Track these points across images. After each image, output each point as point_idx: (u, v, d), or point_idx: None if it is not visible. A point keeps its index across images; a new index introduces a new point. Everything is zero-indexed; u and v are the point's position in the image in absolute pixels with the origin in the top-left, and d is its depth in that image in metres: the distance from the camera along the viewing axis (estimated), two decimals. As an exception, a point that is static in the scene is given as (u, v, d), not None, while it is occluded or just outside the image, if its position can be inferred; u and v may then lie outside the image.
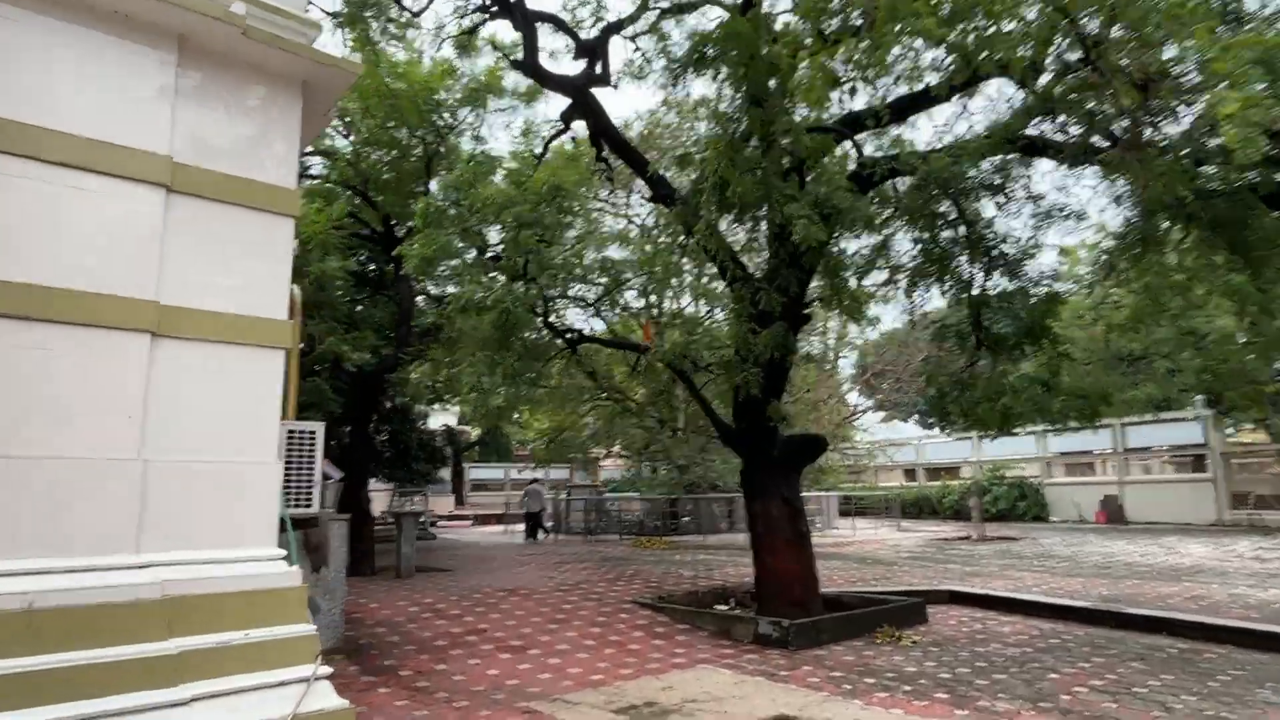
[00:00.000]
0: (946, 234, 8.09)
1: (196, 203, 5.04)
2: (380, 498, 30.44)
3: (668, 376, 11.93)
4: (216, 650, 4.59)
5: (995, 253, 7.91)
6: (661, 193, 10.28)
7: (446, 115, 14.03)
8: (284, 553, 5.18)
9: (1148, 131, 5.77)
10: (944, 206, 7.90)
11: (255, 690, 4.65)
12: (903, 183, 8.65)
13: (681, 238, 10.65)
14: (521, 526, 25.21)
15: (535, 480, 27.10)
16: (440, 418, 35.32)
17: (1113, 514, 27.64)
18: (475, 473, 51.30)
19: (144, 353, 4.69)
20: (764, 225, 8.92)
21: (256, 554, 5.06)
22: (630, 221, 16.90)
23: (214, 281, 5.05)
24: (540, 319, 9.38)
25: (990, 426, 6.93)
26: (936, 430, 44.87)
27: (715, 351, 9.76)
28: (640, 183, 17.07)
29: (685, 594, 10.41)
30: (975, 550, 17.91)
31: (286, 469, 6.27)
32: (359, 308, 14.52)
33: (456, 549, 18.47)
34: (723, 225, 8.70)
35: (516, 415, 25.69)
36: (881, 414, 31.72)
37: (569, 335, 9.68)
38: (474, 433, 52.87)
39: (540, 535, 22.22)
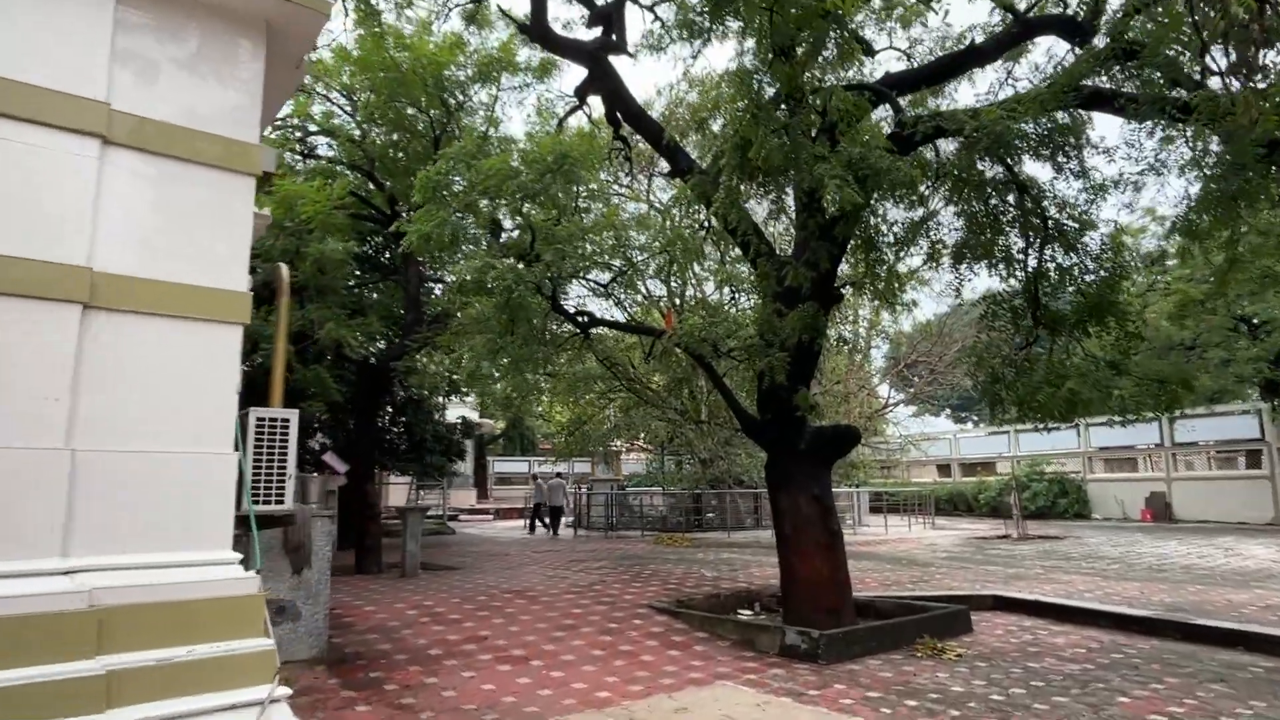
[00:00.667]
0: (995, 202, 7.23)
1: (139, 157, 4.41)
2: (401, 491, 30.18)
3: (687, 363, 11.13)
4: (153, 670, 3.97)
5: (1051, 223, 7.04)
6: (680, 166, 9.53)
7: (457, 93, 13.40)
8: (239, 556, 4.55)
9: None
10: (994, 171, 7.04)
11: (198, 716, 4.03)
12: (947, 147, 7.80)
13: (700, 214, 9.93)
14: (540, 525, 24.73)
15: (557, 474, 26.57)
16: (461, 410, 35.02)
17: (1159, 512, 26.35)
18: (499, 466, 51.12)
19: (74, 327, 4.06)
20: (790, 195, 8.14)
21: (207, 557, 4.43)
22: (652, 208, 16.13)
23: (160, 246, 4.42)
24: (548, 302, 8.67)
25: (1050, 415, 6.08)
26: (970, 425, 43.65)
27: (738, 336, 8.99)
28: (662, 165, 16.34)
29: (706, 597, 9.68)
30: (1016, 550, 16.93)
31: (256, 461, 5.66)
32: (366, 293, 13.97)
33: (472, 545, 17.93)
34: (746, 200, 7.93)
35: (539, 407, 25.17)
36: (912, 408, 30.52)
37: (581, 319, 8.97)
38: (498, 426, 52.76)
39: (541, 529, 21.71)
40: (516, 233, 9.38)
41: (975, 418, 44.75)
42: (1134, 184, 7.30)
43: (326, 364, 11.35)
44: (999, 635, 8.40)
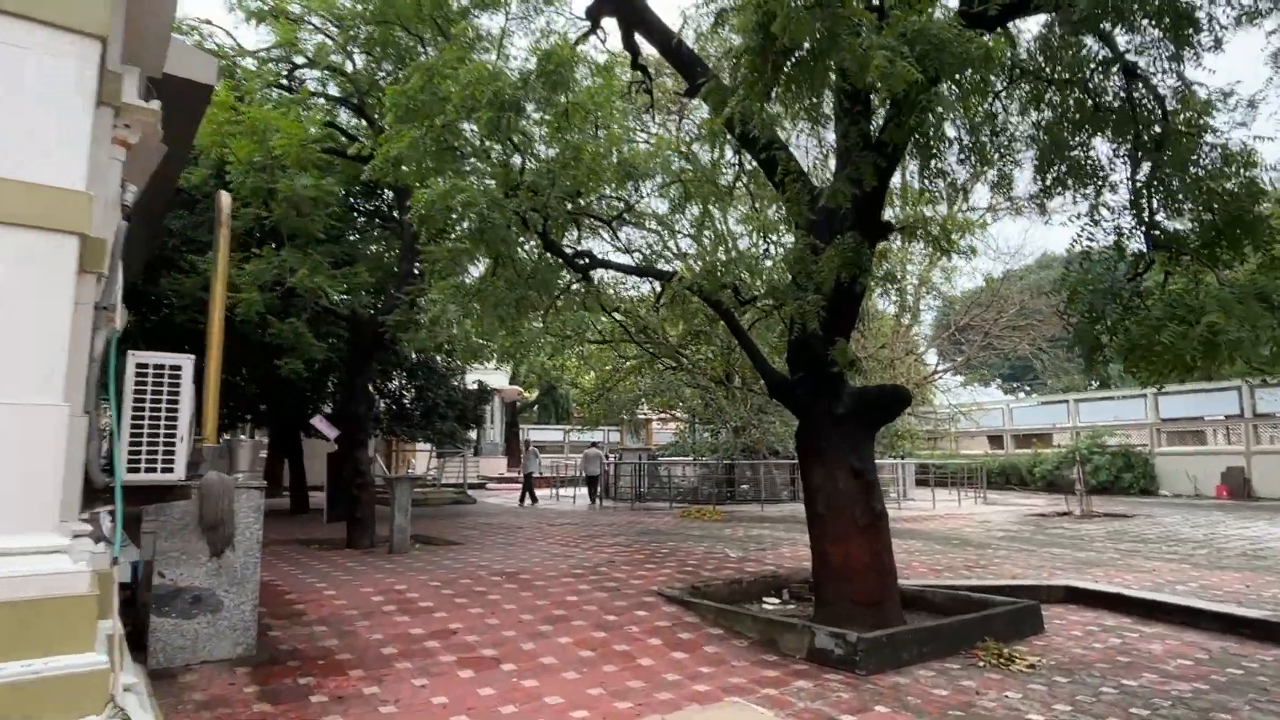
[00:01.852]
0: (1093, 87, 5.62)
1: (-92, -6, 3.20)
2: (425, 460, 29.48)
3: (706, 316, 9.70)
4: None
5: (1167, 119, 5.42)
6: (696, 80, 8.05)
7: (458, 20, 12.00)
8: (64, 542, 3.38)
9: None
10: (1097, 50, 5.43)
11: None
12: (1029, 28, 6.19)
13: (726, 144, 8.44)
14: (571, 491, 23.75)
15: (594, 444, 25.53)
16: (487, 377, 34.13)
17: (1236, 488, 24.18)
18: (533, 434, 50.57)
19: None
20: (828, 102, 6.61)
21: (15, 545, 3.28)
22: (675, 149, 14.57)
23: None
24: (538, 236, 7.34)
25: (1179, 364, 4.53)
26: (1023, 394, 41.35)
27: (763, 278, 7.59)
28: (690, 109, 14.75)
29: (725, 584, 8.39)
30: (1081, 530, 15.26)
31: (136, 419, 4.48)
32: (362, 245, 12.82)
33: (486, 516, 16.93)
34: (771, 102, 6.42)
35: (556, 369, 24.01)
36: (961, 377, 28.54)
37: (579, 259, 7.61)
38: (528, 394, 52.03)
39: (527, 502, 20.68)
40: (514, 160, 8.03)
41: (1028, 387, 42.24)
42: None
43: (306, 318, 10.24)
44: (1078, 638, 6.94)
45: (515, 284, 7.19)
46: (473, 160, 8.17)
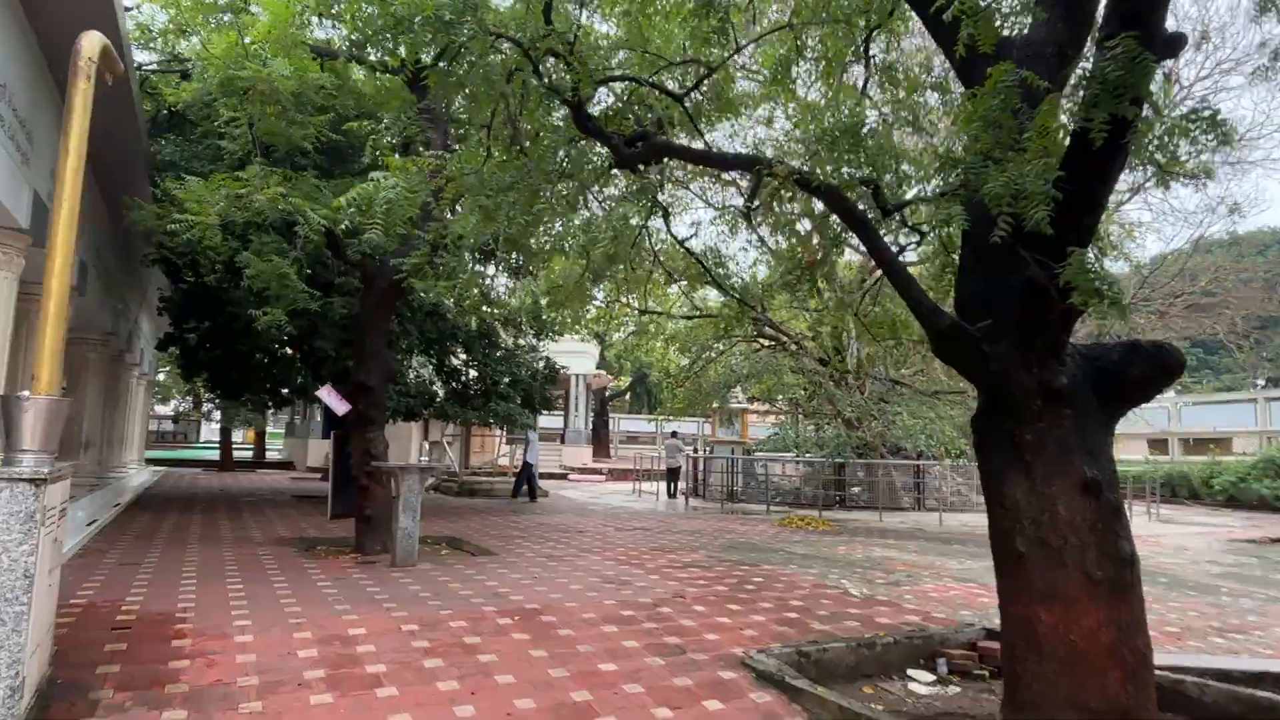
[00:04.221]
0: None
1: None
2: (505, 447, 27.58)
3: (822, 228, 6.68)
4: None
5: None
6: None
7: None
8: None
9: None
10: None
11: None
12: None
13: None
14: (652, 486, 21.14)
15: (674, 433, 22.88)
16: (574, 361, 31.95)
17: None
18: (625, 424, 48.43)
19: None
20: None
21: None
22: None
23: None
24: (568, 106, 4.68)
25: None
26: (1191, 389, 35.57)
27: (924, 165, 4.68)
28: None
29: (849, 646, 5.48)
30: (1328, 567, 11.29)
31: None
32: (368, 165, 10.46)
33: (549, 514, 14.51)
34: None
35: (641, 353, 21.48)
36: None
37: (631, 142, 4.87)
38: (619, 381, 49.83)
39: (523, 498, 17.91)
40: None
41: (1200, 380, 35.89)
42: None
43: (295, 257, 7.96)
44: None
45: (544, 169, 4.53)
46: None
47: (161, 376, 30.09)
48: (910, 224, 5.52)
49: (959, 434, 14.23)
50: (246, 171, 7.10)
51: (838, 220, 5.03)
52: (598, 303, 17.41)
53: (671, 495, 20.46)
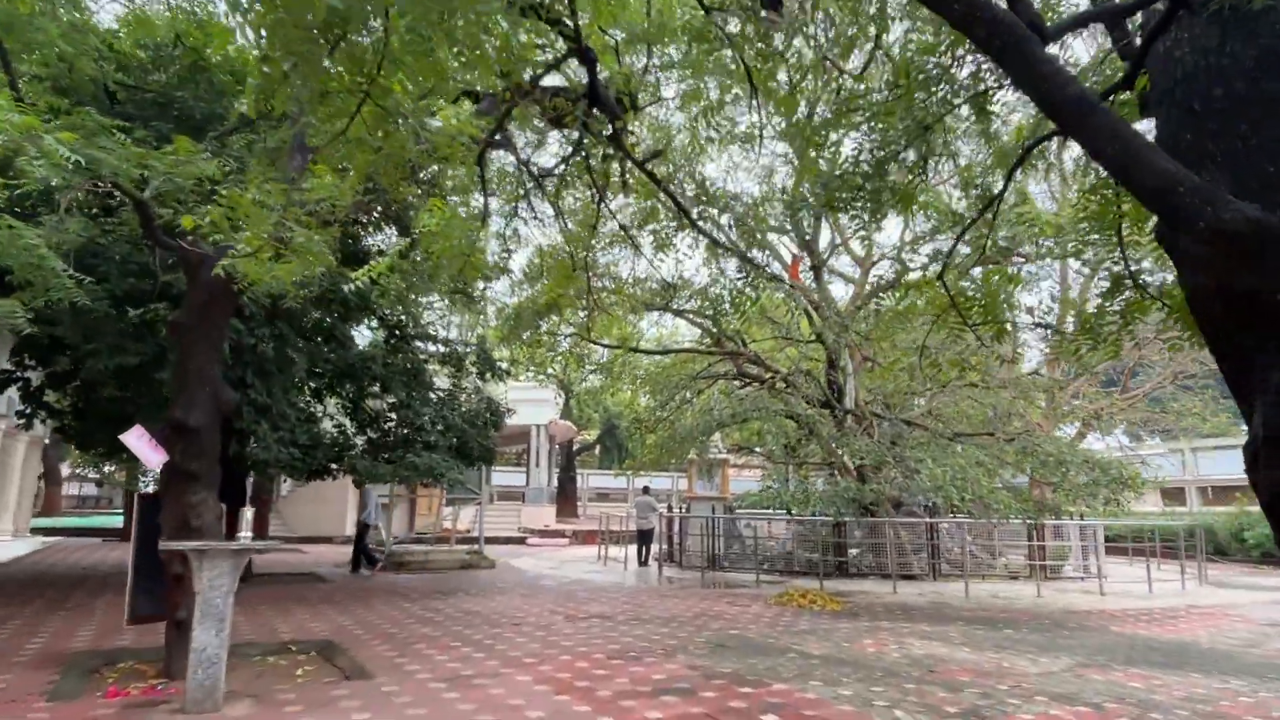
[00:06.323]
0: None
1: None
2: (465, 512, 24.32)
3: None
4: None
5: None
6: None
7: None
8: None
9: None
10: None
11: None
12: None
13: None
14: (621, 551, 18.08)
15: (645, 489, 19.95)
16: (533, 411, 28.96)
17: None
18: (595, 480, 45.15)
19: None
20: None
21: None
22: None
23: None
24: None
25: None
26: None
27: None
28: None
29: None
30: None
31: None
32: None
33: (488, 594, 11.47)
34: None
35: (606, 396, 18.81)
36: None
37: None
38: (587, 434, 46.74)
39: (364, 569, 14.69)
40: None
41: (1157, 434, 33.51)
42: None
43: (57, 227, 5.20)
44: None
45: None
46: None
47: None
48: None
49: (1001, 488, 11.63)
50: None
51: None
52: (551, 332, 14.77)
53: (643, 562, 17.48)
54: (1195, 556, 16.03)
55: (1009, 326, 4.30)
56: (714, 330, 15.19)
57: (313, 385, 11.51)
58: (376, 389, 12.20)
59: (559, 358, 16.17)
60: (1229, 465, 24.57)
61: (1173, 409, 18.39)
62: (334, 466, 12.11)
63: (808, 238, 15.40)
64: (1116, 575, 15.25)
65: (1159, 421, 20.16)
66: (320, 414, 12.92)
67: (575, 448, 41.61)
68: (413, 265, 8.43)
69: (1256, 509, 22.29)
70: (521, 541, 25.29)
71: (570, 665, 6.57)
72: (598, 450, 48.79)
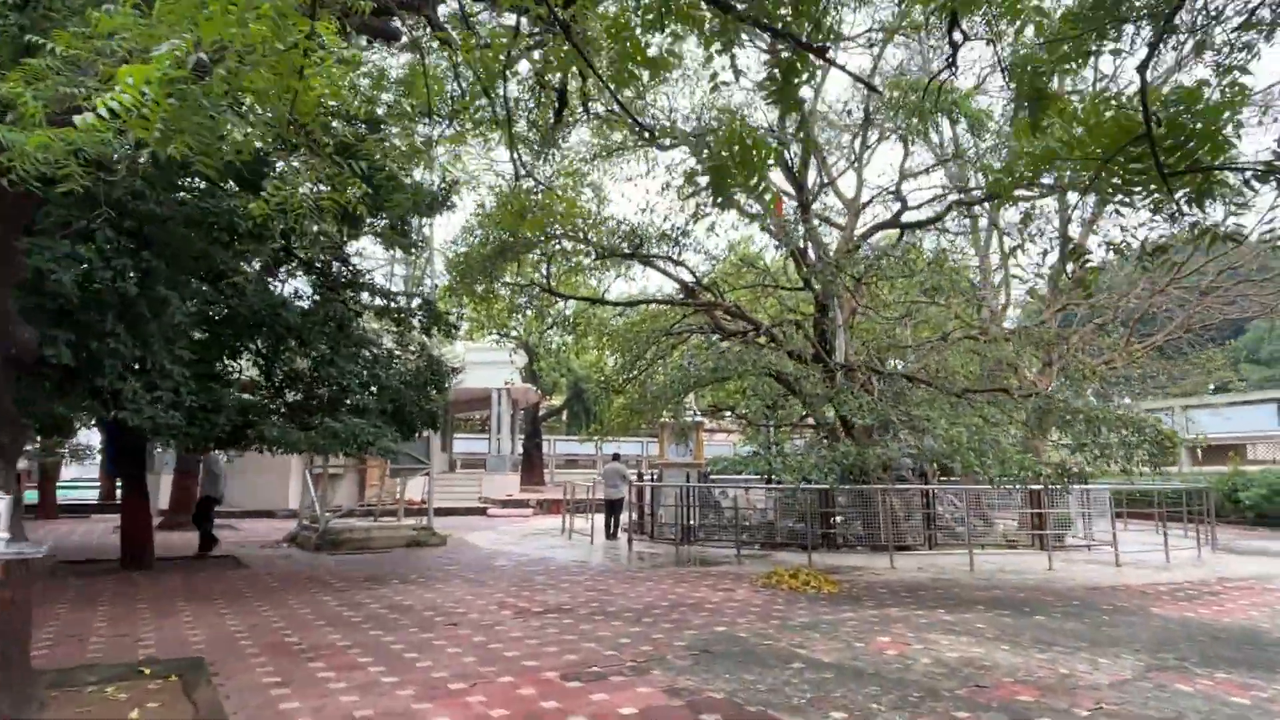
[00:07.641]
0: None
1: None
2: (416, 483, 22.49)
3: None
4: None
5: None
6: None
7: None
8: None
9: None
10: None
11: None
12: None
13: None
14: (587, 523, 16.48)
15: (615, 456, 18.33)
16: (492, 373, 27.10)
17: None
18: (563, 447, 43.55)
19: None
20: None
21: None
22: None
23: None
24: None
25: None
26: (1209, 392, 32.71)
27: None
28: None
29: None
30: None
31: None
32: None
33: (428, 580, 9.83)
34: None
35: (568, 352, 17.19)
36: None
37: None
38: (552, 399, 44.98)
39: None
40: None
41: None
42: None
43: None
44: None
45: None
46: None
47: None
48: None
49: (1019, 449, 10.15)
50: None
51: None
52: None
53: (611, 535, 15.96)
54: (1198, 520, 14.92)
55: (1227, 176, 2.62)
56: (691, 280, 13.52)
57: (204, 337, 9.59)
58: (294, 344, 10.32)
59: (518, 314, 14.36)
60: (1220, 424, 23.76)
61: (1198, 360, 17.21)
62: (249, 433, 10.26)
63: (794, 169, 13.68)
64: (1122, 543, 14.07)
65: (1160, 374, 18.98)
66: (234, 373, 11.05)
67: (541, 413, 39.84)
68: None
69: (1252, 469, 21.49)
70: (482, 513, 23.65)
71: (509, 693, 4.95)
72: (564, 415, 47.10)
